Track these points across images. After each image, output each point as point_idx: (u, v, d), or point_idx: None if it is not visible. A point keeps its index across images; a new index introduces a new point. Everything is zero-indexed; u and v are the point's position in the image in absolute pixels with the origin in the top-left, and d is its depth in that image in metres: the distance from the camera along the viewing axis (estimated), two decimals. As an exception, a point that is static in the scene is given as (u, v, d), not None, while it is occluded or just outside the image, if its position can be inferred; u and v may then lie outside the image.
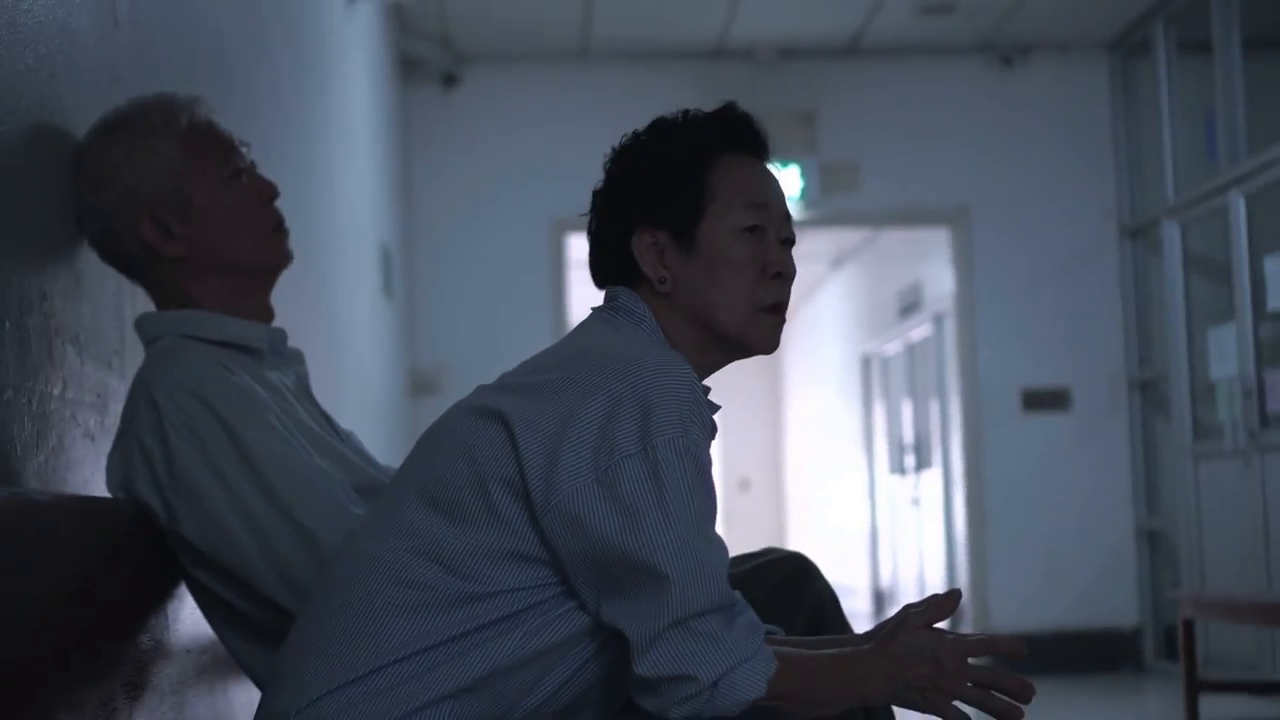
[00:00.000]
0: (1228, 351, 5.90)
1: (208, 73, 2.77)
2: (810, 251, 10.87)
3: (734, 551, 1.67)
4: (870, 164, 7.36)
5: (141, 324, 1.88)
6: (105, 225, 1.85)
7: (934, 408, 9.37)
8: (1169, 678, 6.32)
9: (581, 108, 7.22)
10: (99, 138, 1.85)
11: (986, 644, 1.49)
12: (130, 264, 1.89)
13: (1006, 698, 1.46)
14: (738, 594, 1.48)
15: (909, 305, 9.75)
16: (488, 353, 5.94)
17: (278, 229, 1.94)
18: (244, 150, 1.93)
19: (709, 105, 1.67)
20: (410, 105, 7.33)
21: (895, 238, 9.62)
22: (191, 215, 1.85)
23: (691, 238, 1.59)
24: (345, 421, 2.13)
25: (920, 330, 9.66)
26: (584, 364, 1.50)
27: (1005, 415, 7.30)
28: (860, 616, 9.92)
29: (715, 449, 1.71)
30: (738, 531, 13.56)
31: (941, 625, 1.50)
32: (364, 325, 5.46)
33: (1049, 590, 7.18)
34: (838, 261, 11.80)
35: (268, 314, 1.95)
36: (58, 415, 1.75)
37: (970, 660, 1.47)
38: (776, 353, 1.76)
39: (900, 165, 7.37)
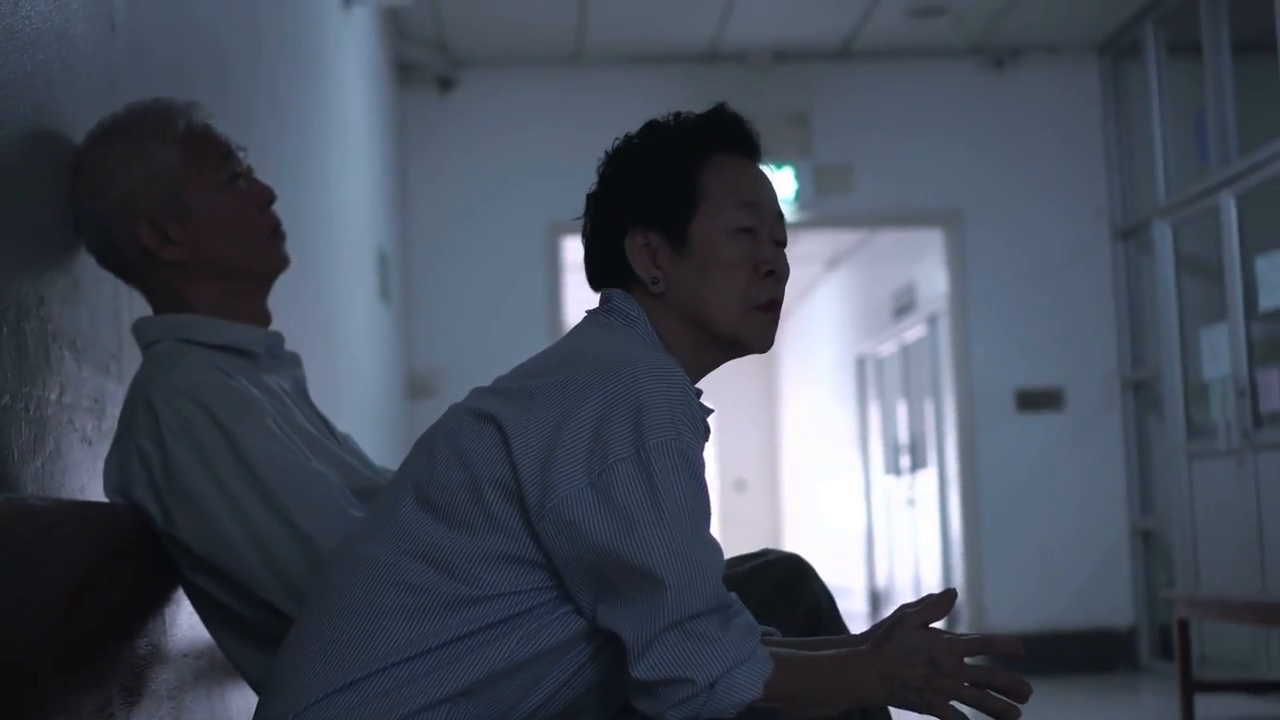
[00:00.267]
0: (1220, 351, 5.92)
1: (204, 78, 2.77)
2: (804, 253, 10.88)
3: (730, 553, 1.67)
4: (864, 166, 7.37)
5: (139, 328, 1.88)
6: (103, 230, 1.85)
7: (928, 408, 9.37)
8: (1164, 677, 6.33)
9: (577, 111, 7.22)
10: (96, 143, 1.85)
11: (982, 643, 1.49)
12: (127, 269, 1.89)
13: (1003, 697, 1.46)
14: (734, 595, 1.48)
15: (903, 306, 9.76)
16: (484, 355, 5.93)
17: (275, 233, 1.94)
18: (241, 155, 1.93)
19: (702, 108, 1.66)
20: (406, 109, 7.33)
21: (889, 239, 9.62)
22: (189, 220, 1.85)
23: (683, 238, 1.59)
24: (342, 424, 2.14)
25: (914, 331, 9.67)
26: (577, 367, 1.51)
27: (999, 415, 7.30)
28: (856, 617, 9.90)
29: (710, 450, 1.72)
30: (733, 532, 13.56)
31: (937, 625, 1.50)
32: (361, 328, 5.46)
33: (1044, 590, 7.18)
34: (832, 263, 11.80)
35: (265, 318, 1.95)
36: (55, 420, 1.75)
37: (966, 660, 1.47)
38: (771, 354, 1.77)
39: (893, 167, 7.38)
